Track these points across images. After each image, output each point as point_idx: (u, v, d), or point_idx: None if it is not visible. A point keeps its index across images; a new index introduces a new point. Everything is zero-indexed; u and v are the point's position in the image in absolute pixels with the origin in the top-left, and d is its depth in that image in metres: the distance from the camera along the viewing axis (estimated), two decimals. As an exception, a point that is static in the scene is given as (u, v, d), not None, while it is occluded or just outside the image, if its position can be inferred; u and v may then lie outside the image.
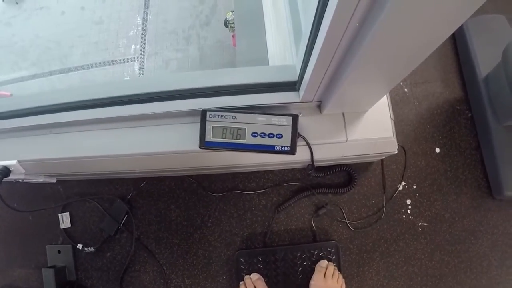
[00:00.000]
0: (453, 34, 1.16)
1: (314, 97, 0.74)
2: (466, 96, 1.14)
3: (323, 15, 0.46)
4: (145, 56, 2.30)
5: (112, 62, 2.32)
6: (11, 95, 2.28)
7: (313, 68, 0.59)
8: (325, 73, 0.61)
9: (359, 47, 0.48)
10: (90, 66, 2.33)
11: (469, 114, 1.13)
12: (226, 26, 1.95)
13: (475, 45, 1.10)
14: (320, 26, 0.49)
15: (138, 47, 2.33)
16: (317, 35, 0.51)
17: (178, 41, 2.29)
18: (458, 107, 1.13)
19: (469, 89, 1.14)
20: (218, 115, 0.76)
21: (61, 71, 2.35)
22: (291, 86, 0.76)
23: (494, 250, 1.07)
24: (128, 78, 2.29)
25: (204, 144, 0.77)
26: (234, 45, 1.91)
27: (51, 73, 2.36)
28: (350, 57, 0.53)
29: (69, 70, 2.35)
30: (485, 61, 1.08)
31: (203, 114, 0.76)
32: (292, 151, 0.77)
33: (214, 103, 0.77)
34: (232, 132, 0.76)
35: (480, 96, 1.07)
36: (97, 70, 2.32)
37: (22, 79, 2.41)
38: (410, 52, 0.52)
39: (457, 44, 1.17)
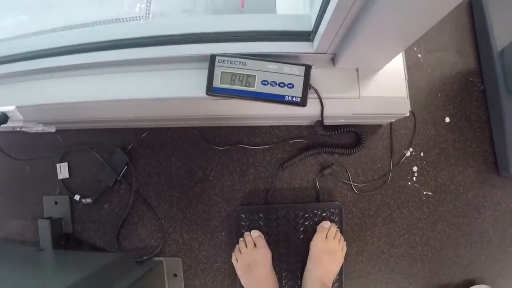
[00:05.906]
0: (471, 5, 1.13)
1: (328, 48, 0.71)
2: (479, 69, 1.11)
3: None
4: (150, 16, 2.23)
5: (117, 21, 2.27)
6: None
7: (329, 18, 0.56)
8: (342, 23, 0.58)
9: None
10: (93, 24, 2.28)
11: (482, 87, 1.10)
12: (235, -13, 1.90)
13: (492, 19, 1.07)
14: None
15: (143, 6, 2.27)
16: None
17: (184, 1, 2.23)
18: (471, 79, 1.10)
19: (483, 61, 1.11)
20: (228, 61, 0.74)
21: (64, 29, 2.30)
22: (305, 36, 0.73)
23: (496, 227, 1.06)
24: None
25: (211, 90, 0.75)
26: (242, 6, 1.86)
27: (53, 30, 2.31)
28: (369, 6, 0.51)
29: (72, 27, 2.29)
30: (502, 36, 1.05)
31: (212, 58, 0.74)
32: (302, 102, 0.75)
33: (224, 49, 0.74)
34: (241, 79, 0.74)
35: (494, 70, 1.04)
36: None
37: (24, 36, 2.36)
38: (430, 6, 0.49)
39: (474, 15, 1.13)
